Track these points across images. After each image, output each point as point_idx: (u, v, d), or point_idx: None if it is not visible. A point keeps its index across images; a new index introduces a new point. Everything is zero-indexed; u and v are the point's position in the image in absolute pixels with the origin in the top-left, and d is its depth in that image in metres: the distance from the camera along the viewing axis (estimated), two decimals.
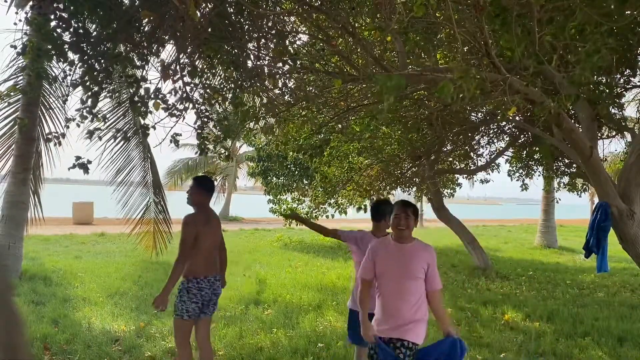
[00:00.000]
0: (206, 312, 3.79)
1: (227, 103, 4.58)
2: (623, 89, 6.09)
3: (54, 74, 4.26)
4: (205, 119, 4.67)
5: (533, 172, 10.17)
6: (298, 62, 4.04)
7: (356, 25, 4.58)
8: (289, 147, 7.68)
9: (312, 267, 10.37)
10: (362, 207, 10.15)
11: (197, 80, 4.25)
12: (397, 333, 3.04)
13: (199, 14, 3.24)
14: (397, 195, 11.39)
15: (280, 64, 4.09)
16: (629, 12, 3.14)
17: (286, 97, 5.03)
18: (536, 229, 16.68)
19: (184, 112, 4.27)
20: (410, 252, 3.10)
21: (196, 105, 4.48)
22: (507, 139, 9.19)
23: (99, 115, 4.25)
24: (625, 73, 5.77)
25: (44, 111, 7.61)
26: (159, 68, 3.84)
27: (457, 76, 2.55)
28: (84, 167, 3.84)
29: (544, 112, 3.53)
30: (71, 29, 3.47)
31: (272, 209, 14.22)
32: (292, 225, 13.53)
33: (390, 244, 3.16)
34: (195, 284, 3.68)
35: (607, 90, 4.82)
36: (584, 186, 11.13)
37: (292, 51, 3.98)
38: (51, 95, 7.63)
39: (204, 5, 3.49)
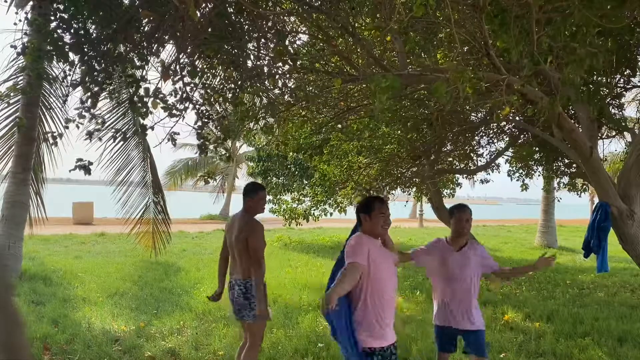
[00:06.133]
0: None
1: (227, 103, 4.58)
2: (623, 89, 6.09)
3: (54, 74, 4.26)
4: (206, 120, 4.67)
5: (533, 172, 10.16)
6: (298, 62, 4.03)
7: (356, 25, 4.58)
8: (289, 147, 7.69)
9: (312, 267, 10.36)
10: None
11: (197, 80, 4.25)
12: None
13: (199, 14, 3.24)
14: (397, 195, 11.38)
15: (280, 64, 4.09)
16: (627, 12, 3.14)
17: (286, 97, 5.03)
18: (536, 229, 16.67)
19: (183, 112, 4.27)
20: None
21: (196, 106, 4.48)
22: (507, 139, 9.18)
23: (98, 116, 4.24)
24: (625, 73, 5.77)
25: (44, 111, 7.61)
26: (159, 68, 3.84)
27: (451, 77, 2.55)
28: (85, 168, 3.84)
29: (544, 112, 3.53)
30: (71, 30, 3.47)
31: (272, 209, 14.20)
32: (292, 225, 13.52)
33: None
34: None
35: (607, 91, 4.82)
36: (584, 186, 11.12)
37: (292, 51, 3.98)
38: (51, 96, 7.64)
39: (204, 5, 3.49)
